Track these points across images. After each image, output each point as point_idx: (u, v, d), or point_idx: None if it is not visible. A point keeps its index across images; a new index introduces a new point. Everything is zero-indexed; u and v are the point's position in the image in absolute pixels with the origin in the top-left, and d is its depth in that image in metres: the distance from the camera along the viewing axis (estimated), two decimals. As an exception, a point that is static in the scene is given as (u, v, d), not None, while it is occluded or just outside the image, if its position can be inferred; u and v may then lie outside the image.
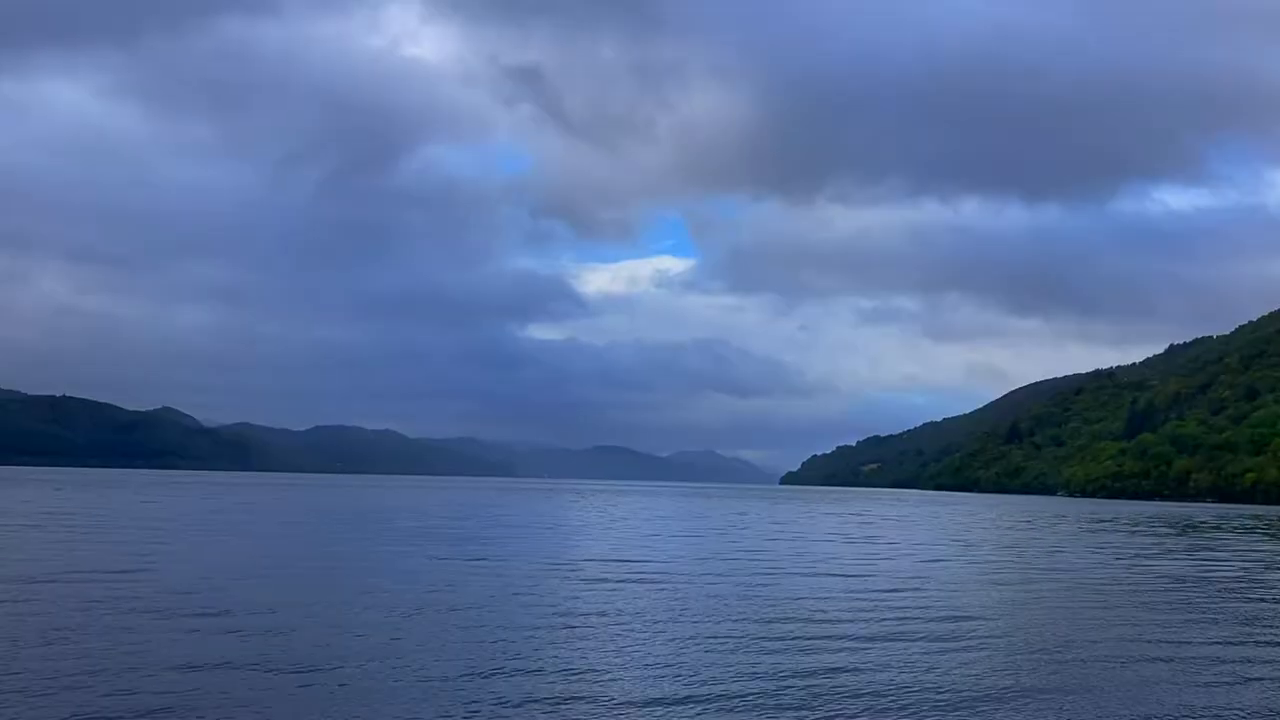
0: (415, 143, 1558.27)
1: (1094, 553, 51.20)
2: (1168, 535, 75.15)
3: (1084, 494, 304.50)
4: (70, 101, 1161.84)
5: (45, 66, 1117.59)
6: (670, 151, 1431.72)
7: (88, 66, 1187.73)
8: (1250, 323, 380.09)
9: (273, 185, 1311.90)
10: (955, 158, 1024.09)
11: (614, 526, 63.11)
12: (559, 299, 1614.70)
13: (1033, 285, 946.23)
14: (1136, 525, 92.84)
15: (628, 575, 31.78)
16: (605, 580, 30.40)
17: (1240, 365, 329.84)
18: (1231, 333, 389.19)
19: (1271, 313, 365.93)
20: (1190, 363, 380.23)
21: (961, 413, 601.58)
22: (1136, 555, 50.78)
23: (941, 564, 42.20)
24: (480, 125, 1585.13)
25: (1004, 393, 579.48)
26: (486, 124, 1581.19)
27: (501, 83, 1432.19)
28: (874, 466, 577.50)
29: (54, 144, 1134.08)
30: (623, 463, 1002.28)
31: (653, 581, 30.21)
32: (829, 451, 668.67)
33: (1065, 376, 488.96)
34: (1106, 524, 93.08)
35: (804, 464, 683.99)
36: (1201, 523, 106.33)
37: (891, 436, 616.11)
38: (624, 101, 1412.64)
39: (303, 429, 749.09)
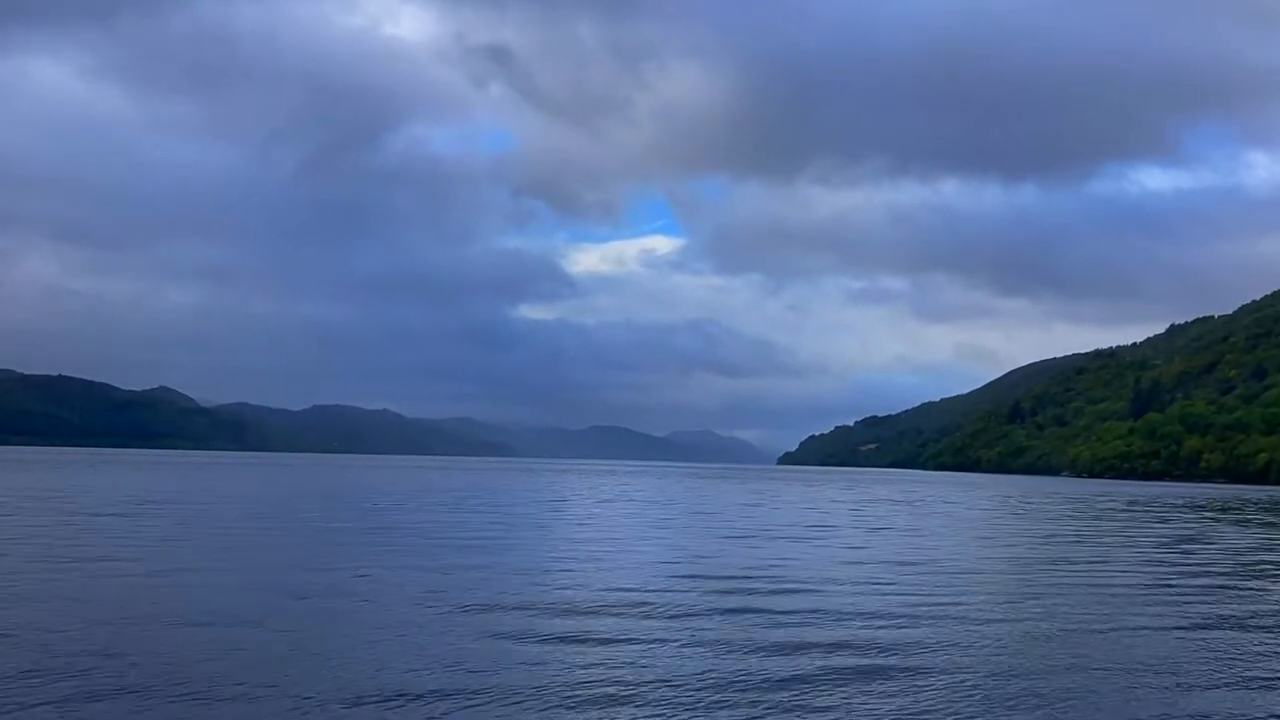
0: (398, 122, 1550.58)
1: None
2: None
3: (1091, 474, 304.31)
4: (53, 81, 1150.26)
5: (26, 45, 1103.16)
6: (650, 132, 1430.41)
7: (69, 46, 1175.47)
8: (1253, 302, 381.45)
9: (259, 164, 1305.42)
10: (934, 139, 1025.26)
11: (712, 520, 60.17)
12: (548, 279, 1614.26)
13: (1017, 265, 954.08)
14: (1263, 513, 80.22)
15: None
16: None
17: (1246, 345, 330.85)
18: (1234, 312, 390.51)
19: (1275, 291, 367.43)
20: (1193, 342, 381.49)
21: (952, 392, 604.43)
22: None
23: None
24: (460, 104, 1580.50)
25: (1001, 373, 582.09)
26: (465, 103, 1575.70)
27: (471, 62, 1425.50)
28: (872, 446, 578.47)
29: (38, 123, 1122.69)
30: (621, 443, 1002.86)
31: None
32: (825, 431, 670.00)
33: (1064, 356, 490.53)
34: (1224, 511, 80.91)
35: (801, 444, 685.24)
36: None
37: (889, 416, 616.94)
38: (602, 81, 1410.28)
39: (300, 409, 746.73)
